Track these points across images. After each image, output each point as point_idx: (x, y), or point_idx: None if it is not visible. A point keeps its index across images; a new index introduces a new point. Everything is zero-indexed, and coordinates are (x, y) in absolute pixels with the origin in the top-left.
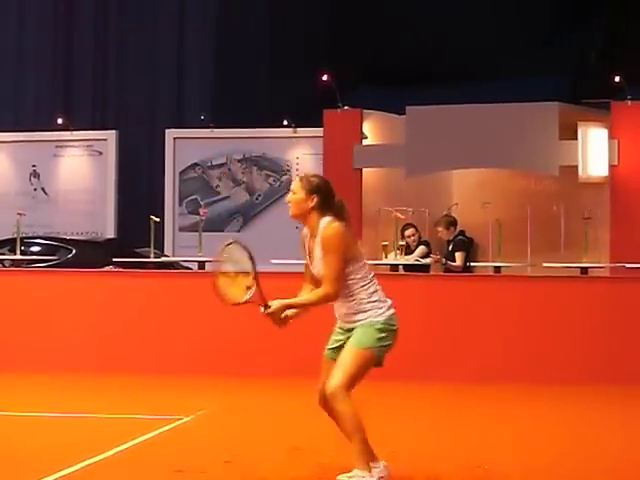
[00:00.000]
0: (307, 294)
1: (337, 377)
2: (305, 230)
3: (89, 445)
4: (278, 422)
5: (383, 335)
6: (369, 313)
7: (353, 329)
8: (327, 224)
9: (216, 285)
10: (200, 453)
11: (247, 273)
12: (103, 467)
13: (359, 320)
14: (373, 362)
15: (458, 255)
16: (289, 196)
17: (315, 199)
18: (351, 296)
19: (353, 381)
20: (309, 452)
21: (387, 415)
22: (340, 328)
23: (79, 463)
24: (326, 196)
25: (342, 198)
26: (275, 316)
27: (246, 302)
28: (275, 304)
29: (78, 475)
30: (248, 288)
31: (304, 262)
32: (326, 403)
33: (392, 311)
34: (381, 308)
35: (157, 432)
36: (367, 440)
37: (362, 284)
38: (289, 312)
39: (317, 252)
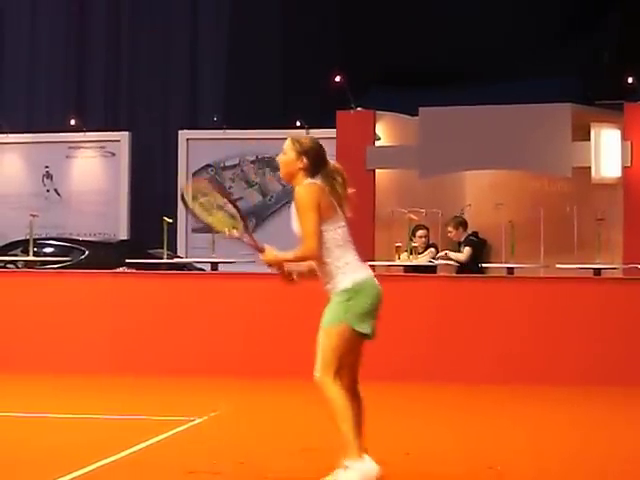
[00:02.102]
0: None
1: (317, 365)
2: None
3: (102, 446)
4: (291, 423)
5: (349, 303)
6: (335, 280)
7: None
8: (303, 185)
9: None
10: (213, 454)
11: (233, 218)
12: (116, 468)
13: (330, 289)
14: (350, 335)
15: (466, 250)
16: (279, 156)
17: (304, 160)
18: (321, 259)
19: (335, 362)
20: (322, 453)
21: (399, 416)
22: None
23: (92, 464)
24: (315, 159)
25: (341, 166)
26: (274, 267)
27: (239, 239)
28: (269, 250)
29: (91, 476)
30: (235, 229)
31: None
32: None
33: (361, 275)
34: (345, 273)
35: (170, 433)
36: (352, 432)
37: (332, 249)
38: (293, 271)
39: (293, 211)
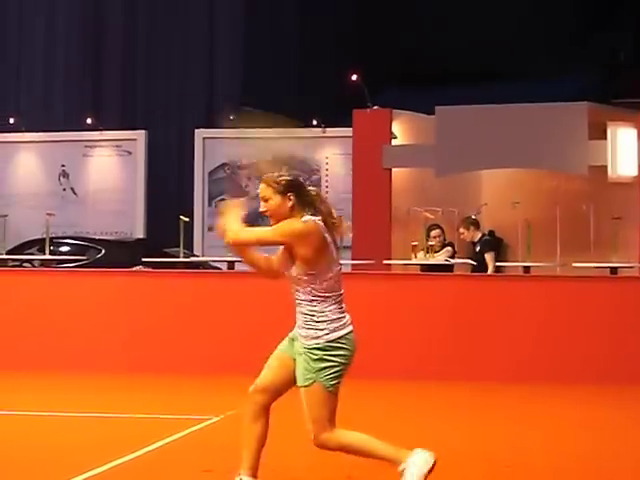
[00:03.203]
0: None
1: (311, 429)
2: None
3: (118, 445)
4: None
5: (324, 364)
6: (310, 332)
7: (299, 345)
8: (309, 221)
9: None
10: (229, 453)
11: None
12: (132, 467)
13: (301, 336)
14: (325, 391)
15: (488, 257)
16: (262, 206)
17: (292, 197)
18: (302, 306)
19: (324, 417)
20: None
21: (414, 415)
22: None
23: (108, 463)
24: (300, 191)
25: (318, 192)
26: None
27: None
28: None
29: (107, 475)
30: None
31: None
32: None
33: (337, 334)
34: (322, 330)
35: (186, 432)
36: (383, 445)
37: (313, 299)
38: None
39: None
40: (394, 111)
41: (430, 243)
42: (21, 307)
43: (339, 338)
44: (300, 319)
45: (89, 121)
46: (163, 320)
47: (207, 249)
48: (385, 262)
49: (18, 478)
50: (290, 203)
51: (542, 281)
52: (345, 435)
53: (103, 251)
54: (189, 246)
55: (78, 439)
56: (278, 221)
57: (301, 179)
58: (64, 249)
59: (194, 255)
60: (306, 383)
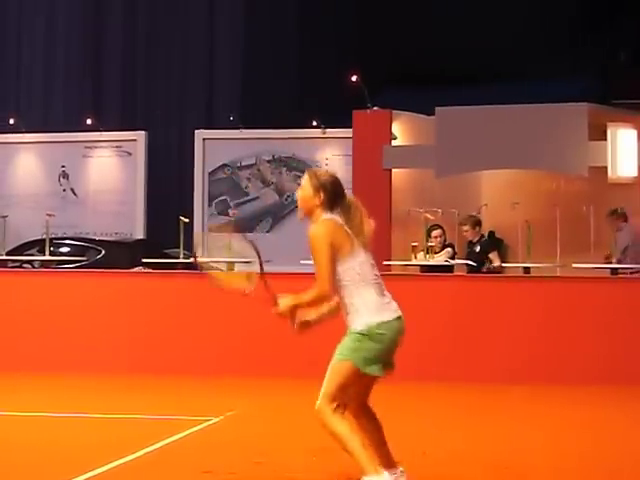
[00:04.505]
0: (306, 294)
1: (321, 393)
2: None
3: (119, 445)
4: (307, 423)
5: (358, 344)
6: (349, 318)
7: None
8: (317, 223)
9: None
10: (229, 454)
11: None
12: (132, 467)
13: (348, 324)
14: (355, 373)
15: (493, 256)
16: (298, 192)
17: (322, 196)
18: (343, 298)
19: (337, 396)
20: (338, 452)
21: (415, 416)
22: None
23: (108, 463)
24: (333, 194)
25: (356, 199)
26: (288, 317)
27: (250, 293)
28: (283, 302)
29: (107, 475)
30: (249, 280)
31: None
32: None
33: (377, 318)
34: (360, 314)
35: (186, 433)
36: (362, 452)
37: (348, 286)
38: (309, 317)
39: None
40: (394, 112)
41: (430, 244)
42: (21, 307)
43: (379, 324)
44: (343, 307)
45: (89, 122)
46: (163, 321)
47: (207, 250)
48: (385, 263)
49: (18, 478)
50: (318, 201)
51: (542, 282)
52: (340, 425)
53: (103, 252)
54: (189, 247)
55: (78, 439)
56: (301, 209)
57: (339, 184)
58: (64, 250)
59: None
60: (340, 357)
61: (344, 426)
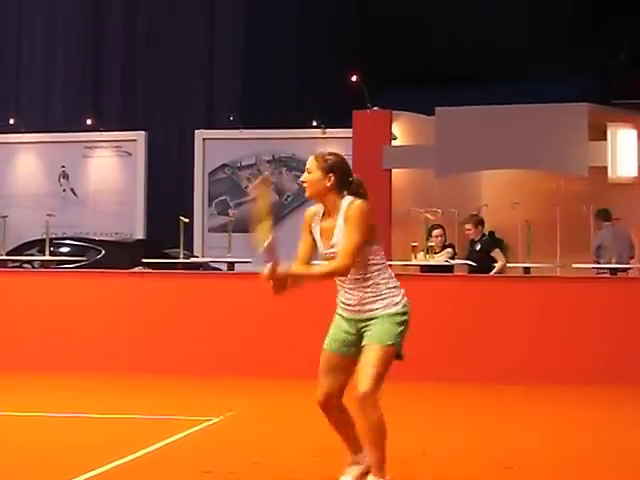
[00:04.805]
0: (318, 266)
1: (367, 382)
2: (313, 210)
3: (118, 446)
4: (307, 423)
5: (402, 328)
6: (387, 301)
7: (367, 320)
8: (351, 202)
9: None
10: (229, 454)
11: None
12: (132, 468)
13: (376, 309)
14: (395, 356)
15: (495, 253)
16: (304, 176)
17: (332, 178)
18: (369, 280)
19: (381, 382)
20: (338, 453)
21: (415, 416)
22: (348, 320)
23: (108, 464)
24: (343, 175)
25: (360, 177)
26: (277, 281)
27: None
28: (282, 270)
29: (107, 476)
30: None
31: (301, 242)
32: (329, 404)
33: (406, 298)
34: (397, 296)
35: (186, 433)
36: (383, 451)
37: (380, 267)
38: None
39: (337, 231)
40: (394, 112)
41: (430, 244)
42: (21, 308)
43: (406, 304)
44: (368, 294)
45: (89, 122)
46: (163, 321)
47: (207, 250)
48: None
49: (18, 478)
50: (329, 183)
51: (542, 282)
52: (381, 415)
53: (103, 252)
54: (189, 247)
55: (78, 439)
56: (311, 193)
57: (346, 164)
58: (64, 250)
59: (194, 256)
60: (388, 342)
61: (383, 417)
